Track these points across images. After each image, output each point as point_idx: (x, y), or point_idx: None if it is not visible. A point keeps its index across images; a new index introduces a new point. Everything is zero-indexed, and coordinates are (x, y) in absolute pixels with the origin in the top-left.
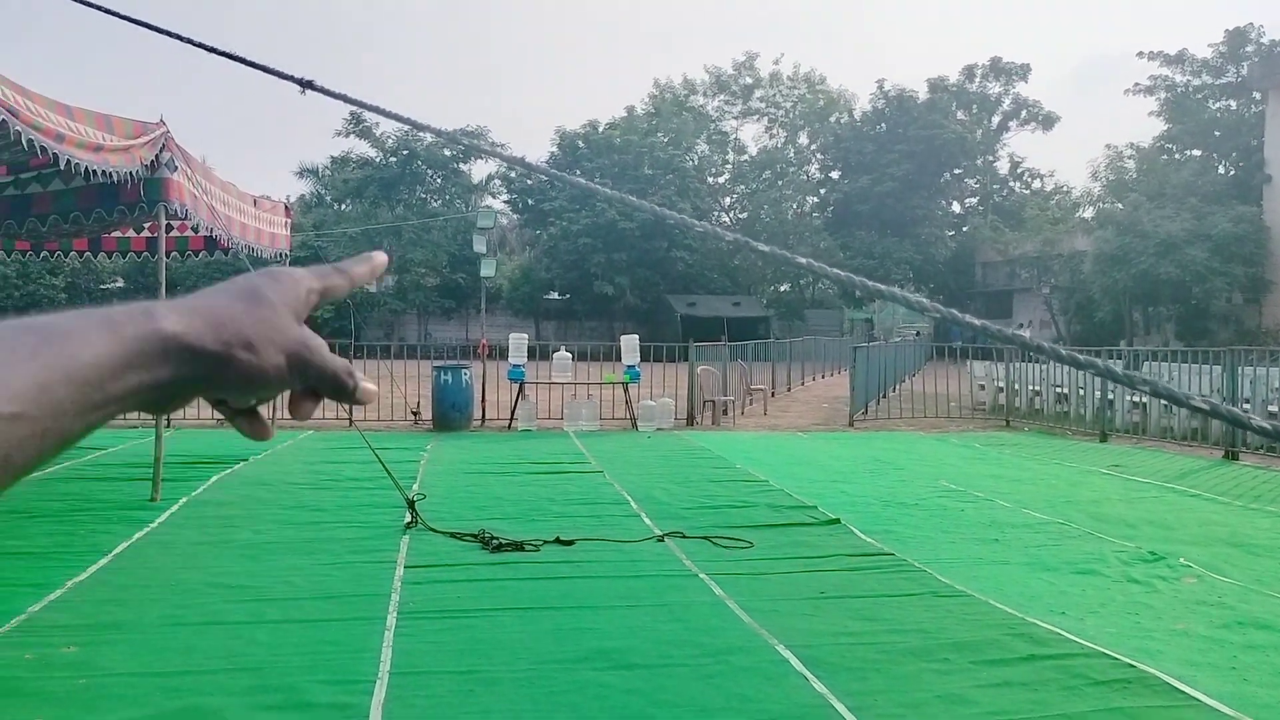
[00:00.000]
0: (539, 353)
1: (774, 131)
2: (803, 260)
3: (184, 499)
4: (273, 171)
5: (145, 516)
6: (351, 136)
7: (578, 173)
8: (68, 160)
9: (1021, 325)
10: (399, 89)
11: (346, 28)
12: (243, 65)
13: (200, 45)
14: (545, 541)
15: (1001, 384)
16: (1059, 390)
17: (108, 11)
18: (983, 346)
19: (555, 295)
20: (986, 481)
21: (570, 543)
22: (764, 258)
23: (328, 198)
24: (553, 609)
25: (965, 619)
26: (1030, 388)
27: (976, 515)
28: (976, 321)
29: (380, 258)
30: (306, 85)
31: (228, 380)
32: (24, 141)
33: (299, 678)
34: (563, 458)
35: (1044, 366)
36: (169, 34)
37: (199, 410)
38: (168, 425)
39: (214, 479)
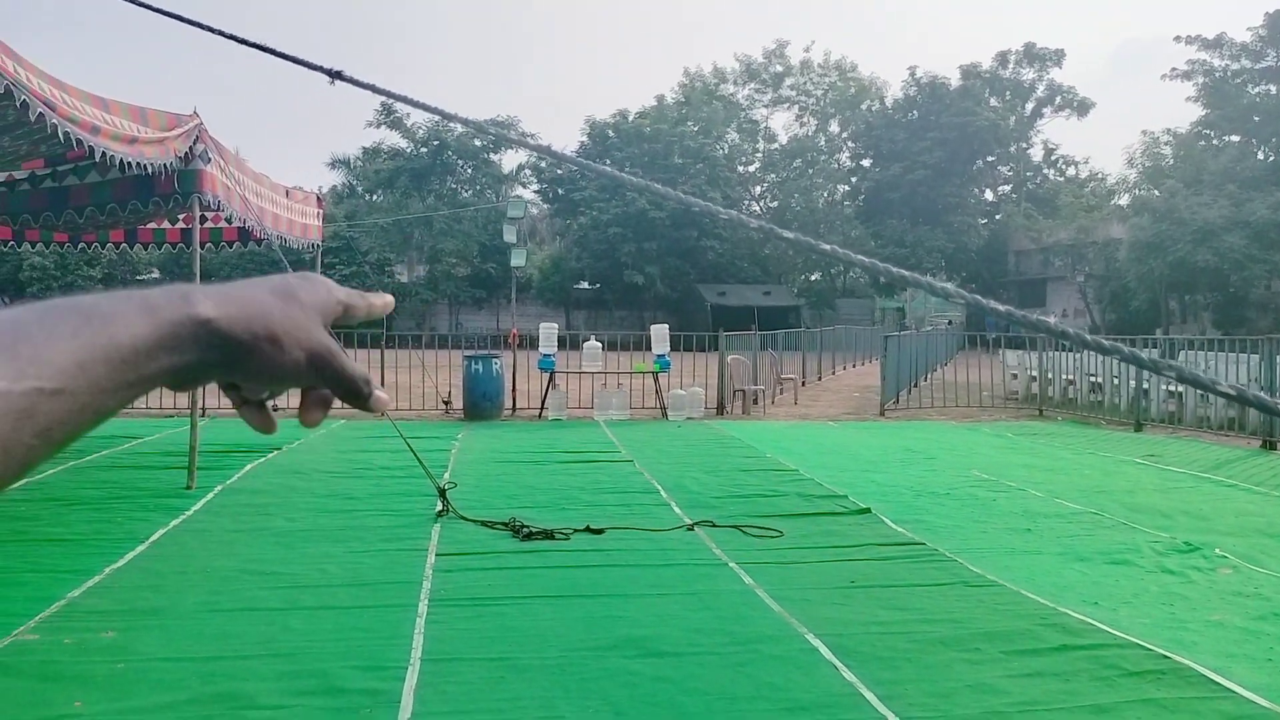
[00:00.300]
0: (569, 342)
1: (804, 120)
2: (826, 247)
3: (219, 487)
4: (305, 162)
5: (181, 504)
6: (383, 127)
7: (608, 162)
8: (103, 152)
9: (1053, 315)
10: (428, 79)
11: (375, 17)
12: (273, 56)
13: (230, 37)
14: (575, 530)
15: (1034, 373)
16: (1093, 379)
17: (142, 5)
18: (1015, 336)
19: (585, 285)
20: (1019, 471)
21: (600, 531)
22: (791, 245)
23: (359, 188)
24: (583, 597)
25: (997, 609)
26: (1064, 377)
27: (1009, 505)
28: (1001, 307)
29: (390, 298)
30: (335, 75)
31: (248, 368)
32: (60, 134)
33: (332, 664)
34: (593, 447)
35: (1077, 355)
36: (200, 25)
37: None
38: (203, 414)
39: (248, 467)
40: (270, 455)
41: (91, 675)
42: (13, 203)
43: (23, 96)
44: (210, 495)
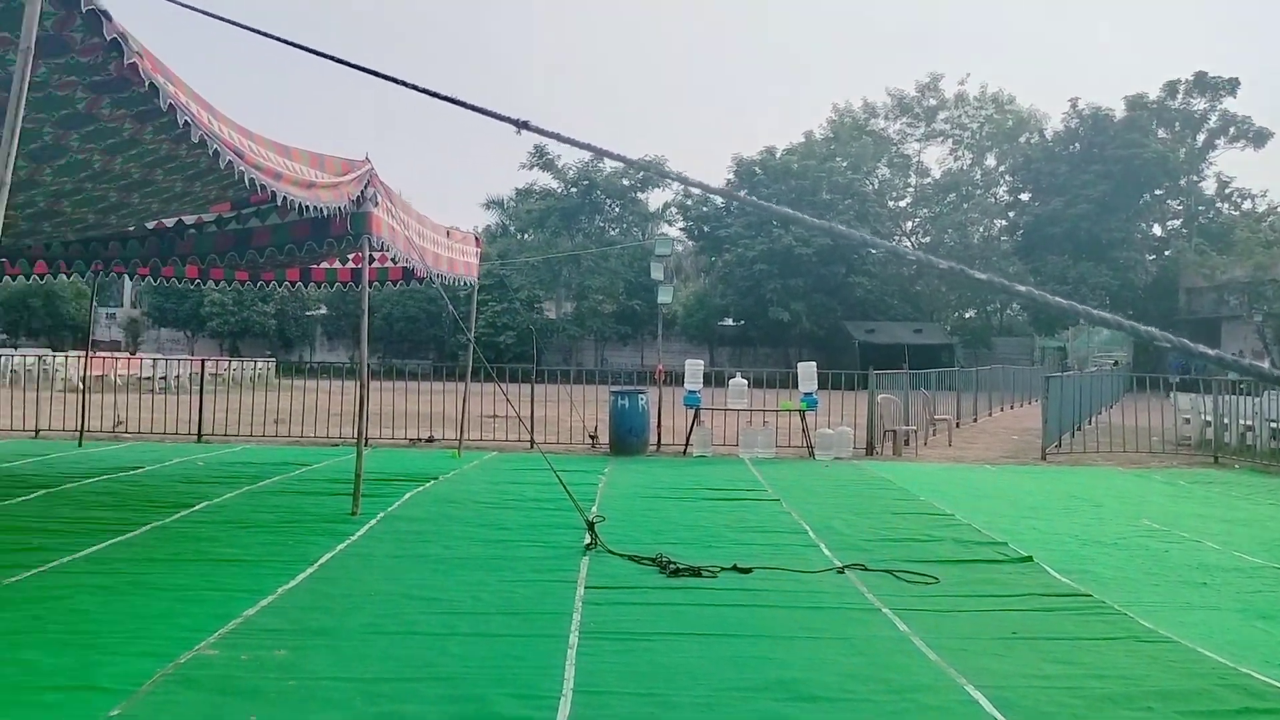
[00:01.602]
0: (714, 379)
1: (959, 153)
2: (982, 276)
3: (381, 514)
4: (462, 203)
5: (346, 529)
6: (535, 169)
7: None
8: (284, 197)
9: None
10: (578, 119)
11: (525, 64)
12: (460, 107)
13: (423, 90)
14: (723, 568)
15: (1209, 418)
16: (1274, 425)
17: (324, 55)
18: (1189, 377)
19: (730, 321)
20: (1193, 521)
21: (748, 570)
22: (943, 276)
23: (511, 228)
24: (731, 636)
25: (1171, 666)
26: (1241, 422)
27: (1182, 557)
28: (1199, 348)
29: None
30: (522, 125)
31: None
32: (247, 181)
33: (489, 689)
34: (739, 484)
35: (1257, 399)
36: (391, 79)
37: (393, 430)
38: (366, 444)
39: (408, 495)
40: (428, 485)
41: (265, 691)
42: (200, 244)
43: (215, 146)
44: (373, 522)
